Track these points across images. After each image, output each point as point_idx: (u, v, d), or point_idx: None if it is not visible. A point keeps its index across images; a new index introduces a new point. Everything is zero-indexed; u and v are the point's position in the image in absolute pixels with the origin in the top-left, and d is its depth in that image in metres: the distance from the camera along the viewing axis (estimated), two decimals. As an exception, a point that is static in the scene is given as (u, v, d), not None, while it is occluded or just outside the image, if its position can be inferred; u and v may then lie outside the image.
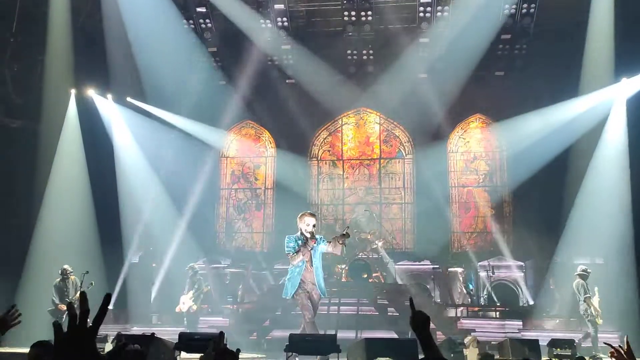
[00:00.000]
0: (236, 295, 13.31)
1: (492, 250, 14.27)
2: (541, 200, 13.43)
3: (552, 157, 13.09)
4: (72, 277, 10.26)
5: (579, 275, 9.67)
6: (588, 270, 9.70)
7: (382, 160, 16.01)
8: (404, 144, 15.98)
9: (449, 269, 13.44)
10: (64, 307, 10.08)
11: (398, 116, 15.64)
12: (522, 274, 13.52)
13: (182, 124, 14.88)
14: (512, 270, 13.55)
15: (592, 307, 9.35)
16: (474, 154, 15.64)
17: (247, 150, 16.39)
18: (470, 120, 15.70)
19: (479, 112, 15.45)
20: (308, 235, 6.64)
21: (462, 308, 12.57)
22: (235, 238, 15.97)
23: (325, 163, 16.21)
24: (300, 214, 6.75)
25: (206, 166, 15.36)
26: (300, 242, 6.62)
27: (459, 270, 13.44)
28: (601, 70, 12.49)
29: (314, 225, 6.68)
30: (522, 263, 13.59)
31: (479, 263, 13.66)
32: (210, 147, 15.44)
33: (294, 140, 15.49)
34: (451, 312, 12.32)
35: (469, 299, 13.18)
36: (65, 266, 10.34)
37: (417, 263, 14.10)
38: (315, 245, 6.60)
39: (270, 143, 16.38)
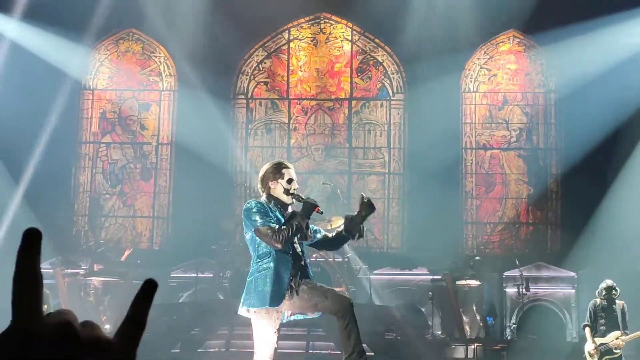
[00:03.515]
0: (106, 319, 13.00)
1: (527, 252, 14.42)
2: (610, 172, 13.53)
3: (629, 102, 13.26)
4: None
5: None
6: (611, 287, 10.19)
7: (354, 103, 15.90)
8: (391, 76, 15.88)
9: (458, 282, 13.43)
10: None
11: (382, 29, 15.53)
12: (574, 290, 13.72)
13: (15, 33, 14.45)
14: (559, 284, 13.74)
15: (589, 340, 10.03)
16: (505, 95, 15.68)
17: (128, 79, 16.14)
18: (500, 40, 15.71)
19: (514, 28, 15.43)
20: (289, 202, 6.25)
21: (476, 344, 12.60)
22: (107, 225, 15.76)
23: (261, 104, 16.07)
24: (266, 169, 6.31)
25: (57, 104, 14.86)
26: (276, 210, 6.21)
27: (474, 284, 13.45)
28: None
29: (296, 181, 6.31)
30: (573, 274, 13.75)
31: (506, 273, 13.76)
32: (65, 72, 15.04)
33: (209, 64, 15.16)
34: (459, 352, 12.37)
35: (488, 330, 13.25)
36: None
37: (407, 272, 14.11)
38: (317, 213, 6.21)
39: (169, 68, 16.10)
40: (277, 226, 6.10)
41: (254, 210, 6.21)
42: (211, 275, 12.94)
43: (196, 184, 14.65)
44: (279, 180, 6.23)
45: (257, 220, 6.16)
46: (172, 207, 15.70)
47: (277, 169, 6.28)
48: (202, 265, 13.28)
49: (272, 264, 6.17)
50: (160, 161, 15.98)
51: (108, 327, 12.92)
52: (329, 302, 6.22)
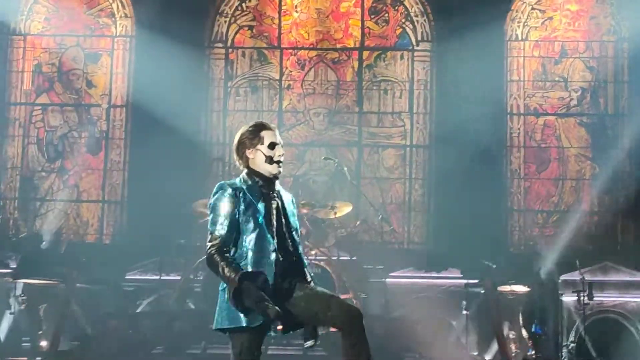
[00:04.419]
0: (42, 334, 12.98)
1: (591, 250, 14.37)
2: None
3: None
4: None
5: None
6: None
7: (366, 54, 15.89)
8: (414, 20, 15.86)
9: (500, 288, 13.46)
10: None
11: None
12: (652, 300, 13.74)
13: None
14: (631, 292, 13.72)
15: None
16: (563, 45, 15.67)
17: (71, 21, 16.09)
18: (557, -25, 15.68)
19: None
20: (274, 172, 6.16)
21: (524, 368, 12.67)
22: (43, 212, 15.71)
23: (244, 55, 16.06)
24: (241, 134, 6.23)
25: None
26: (254, 194, 6.24)
27: (520, 289, 13.49)
28: None
29: (281, 147, 6.29)
30: (652, 277, 13.75)
31: (563, 277, 13.72)
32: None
33: (176, 2, 15.18)
34: (502, 377, 12.39)
35: (538, 349, 13.27)
36: None
37: (434, 274, 14.14)
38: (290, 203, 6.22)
39: (124, 7, 16.11)
40: (221, 244, 6.00)
41: (216, 200, 6.11)
42: (179, 278, 12.90)
43: (159, 158, 14.53)
44: (258, 147, 6.13)
45: (212, 219, 6.09)
46: (128, 189, 15.70)
47: (254, 133, 6.17)
48: (167, 264, 13.27)
49: (249, 270, 6.08)
50: (113, 129, 15.94)
51: (44, 345, 12.89)
52: (332, 312, 6.14)
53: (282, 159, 6.07)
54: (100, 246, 15.30)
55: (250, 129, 6.23)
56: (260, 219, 6.04)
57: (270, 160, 6.09)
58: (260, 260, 6.05)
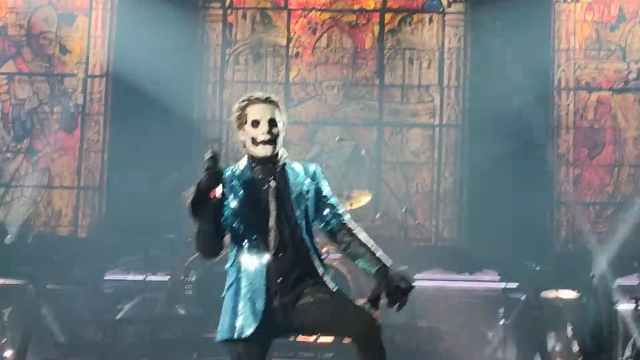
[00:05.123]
0: (7, 342, 13.02)
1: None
2: None
3: None
4: None
5: None
6: None
7: (388, 16, 15.90)
8: (446, -24, 15.87)
9: (544, 294, 13.48)
10: None
11: None
12: None
13: None
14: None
15: None
16: (620, 7, 15.56)
17: None
18: None
19: None
20: (262, 154, 6.13)
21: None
22: (8, 200, 15.80)
23: (245, 17, 16.07)
24: (233, 109, 6.27)
25: None
26: (236, 186, 6.15)
27: (568, 295, 13.49)
28: None
29: (270, 124, 6.22)
30: None
31: (619, 281, 13.72)
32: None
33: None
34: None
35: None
36: None
37: (466, 276, 14.31)
38: (304, 179, 6.15)
39: None
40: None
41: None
42: (167, 279, 13.03)
43: (144, 138, 14.65)
44: (245, 127, 6.11)
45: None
46: (108, 174, 15.74)
47: (240, 110, 6.14)
48: (153, 262, 13.32)
49: (234, 276, 6.09)
50: (91, 103, 15.93)
51: (9, 355, 12.92)
52: (345, 323, 6.12)
53: (265, 137, 6.01)
54: (75, 240, 15.33)
55: (237, 105, 6.19)
56: (246, 213, 6.05)
57: (254, 141, 6.09)
58: (248, 263, 6.07)
